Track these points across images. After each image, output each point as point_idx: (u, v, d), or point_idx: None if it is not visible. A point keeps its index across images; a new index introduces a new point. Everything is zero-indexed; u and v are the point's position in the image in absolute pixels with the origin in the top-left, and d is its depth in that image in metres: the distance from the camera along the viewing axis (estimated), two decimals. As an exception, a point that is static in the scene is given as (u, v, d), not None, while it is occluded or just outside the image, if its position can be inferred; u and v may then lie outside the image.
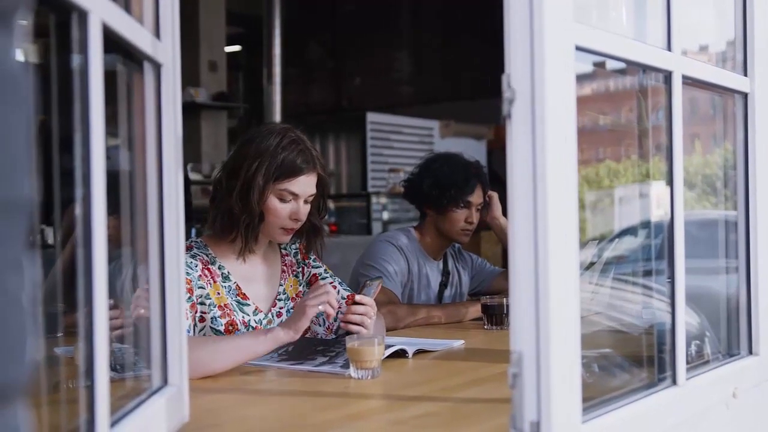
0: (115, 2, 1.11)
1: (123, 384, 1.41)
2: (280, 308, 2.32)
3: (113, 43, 1.12)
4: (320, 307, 1.97)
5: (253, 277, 2.29)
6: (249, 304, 2.23)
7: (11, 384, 0.54)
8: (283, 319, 2.26)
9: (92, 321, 1.01)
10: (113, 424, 1.09)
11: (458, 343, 2.34)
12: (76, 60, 1.02)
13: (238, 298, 2.22)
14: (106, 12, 1.05)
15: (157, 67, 1.34)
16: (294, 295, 2.36)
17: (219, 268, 2.22)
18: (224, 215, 2.20)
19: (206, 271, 2.18)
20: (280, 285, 2.35)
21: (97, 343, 1.01)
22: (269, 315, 2.28)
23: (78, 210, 1.01)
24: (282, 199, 2.19)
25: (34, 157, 0.58)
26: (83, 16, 1.00)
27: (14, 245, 0.55)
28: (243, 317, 2.20)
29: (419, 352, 2.17)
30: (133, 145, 1.38)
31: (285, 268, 2.38)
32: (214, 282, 2.19)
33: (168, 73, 1.37)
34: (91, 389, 1.01)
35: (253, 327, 2.21)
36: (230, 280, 2.22)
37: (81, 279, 1.01)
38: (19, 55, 0.57)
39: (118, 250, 1.36)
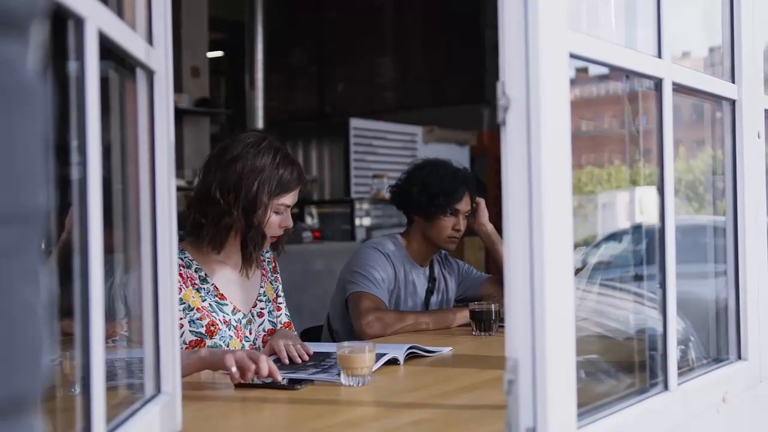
0: (109, 9, 1.11)
1: (115, 392, 1.40)
2: (261, 308, 2.39)
3: (106, 49, 1.11)
4: (233, 369, 1.81)
5: (233, 279, 2.34)
6: (227, 304, 2.29)
7: (28, 394, 0.54)
8: (265, 319, 2.38)
9: (88, 330, 1.00)
10: (109, 433, 1.08)
11: (447, 350, 2.34)
12: (71, 66, 1.02)
13: (216, 298, 2.27)
14: (102, 19, 1.04)
15: (150, 74, 1.34)
16: (272, 299, 2.45)
17: (196, 271, 2.27)
18: (224, 231, 2.25)
19: (178, 276, 2.19)
20: (261, 287, 2.42)
21: (94, 352, 1.01)
22: (249, 315, 2.34)
23: (74, 216, 1.01)
24: (277, 213, 2.29)
25: (49, 167, 0.58)
26: (79, 23, 0.99)
27: (30, 255, 0.54)
28: (223, 317, 2.26)
29: (411, 357, 2.18)
30: (125, 151, 1.37)
31: (264, 271, 2.46)
32: (188, 287, 2.23)
33: (161, 80, 1.36)
34: (87, 398, 1.00)
35: (234, 326, 2.27)
36: (208, 282, 2.28)
37: (77, 288, 1.00)
38: (34, 65, 0.56)
39: (109, 256, 1.35)
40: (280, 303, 2.51)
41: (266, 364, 1.82)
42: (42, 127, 0.57)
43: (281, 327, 2.44)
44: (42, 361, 0.56)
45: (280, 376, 1.85)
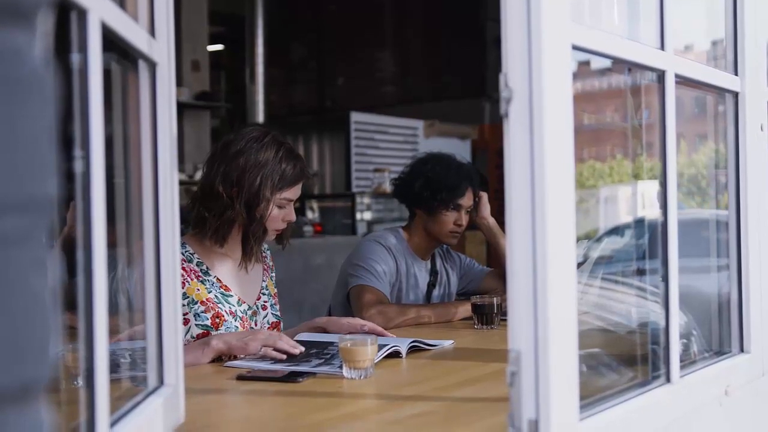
0: (112, 0, 1.11)
1: (118, 384, 1.41)
2: (264, 302, 2.42)
3: (109, 41, 1.11)
4: (262, 351, 2.05)
5: (235, 272, 2.36)
6: (232, 295, 2.31)
7: (37, 382, 0.54)
8: (268, 312, 2.41)
9: (92, 322, 1.00)
10: (112, 424, 1.08)
11: (449, 343, 2.34)
12: (74, 58, 1.01)
13: (221, 290, 2.29)
14: (105, 10, 1.04)
15: (152, 66, 1.34)
16: (272, 294, 2.47)
17: (197, 265, 2.29)
18: (226, 225, 2.27)
19: (181, 270, 2.21)
20: (263, 281, 2.44)
21: (97, 344, 1.01)
22: (254, 307, 2.37)
23: (77, 210, 1.00)
24: (279, 207, 2.30)
25: (57, 156, 0.58)
26: (82, 14, 0.99)
27: (38, 244, 0.55)
28: (229, 308, 2.28)
29: (413, 350, 2.18)
30: (127, 144, 1.37)
31: (265, 266, 2.48)
32: (192, 280, 2.24)
33: (163, 72, 1.36)
34: (91, 390, 1.00)
35: (239, 317, 2.30)
36: (210, 275, 2.29)
37: (81, 281, 1.00)
38: (41, 54, 0.56)
39: (111, 250, 1.35)
40: (276, 303, 2.53)
41: (290, 342, 2.06)
42: (50, 117, 0.57)
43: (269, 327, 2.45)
44: (50, 349, 0.56)
45: (299, 350, 2.05)
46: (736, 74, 1.81)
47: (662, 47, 1.52)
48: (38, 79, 0.56)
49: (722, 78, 1.78)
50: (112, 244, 1.35)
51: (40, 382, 0.55)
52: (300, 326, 2.50)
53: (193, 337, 2.19)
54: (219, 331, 2.21)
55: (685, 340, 1.80)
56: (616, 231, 2.64)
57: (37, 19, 0.57)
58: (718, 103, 1.90)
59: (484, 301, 2.66)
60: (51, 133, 0.57)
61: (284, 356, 2.02)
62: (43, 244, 0.56)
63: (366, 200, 7.58)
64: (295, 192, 2.32)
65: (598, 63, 1.53)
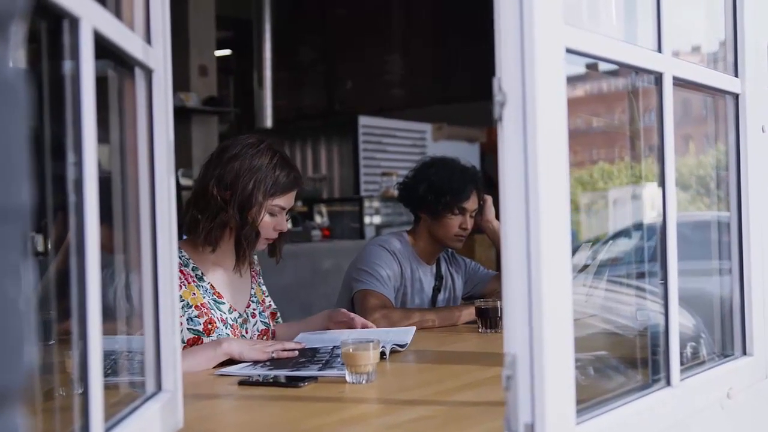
0: (106, 8, 1.11)
1: (116, 389, 1.41)
2: (253, 309, 2.44)
3: (104, 48, 1.12)
4: (274, 354, 2.13)
5: (227, 279, 2.38)
6: (224, 303, 2.33)
7: (10, 388, 0.55)
8: (258, 320, 2.43)
9: (86, 328, 1.01)
10: (108, 430, 1.09)
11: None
12: (67, 66, 1.02)
13: (214, 297, 2.31)
14: (97, 18, 1.05)
15: (148, 73, 1.34)
16: (261, 300, 2.49)
17: (193, 270, 2.31)
18: (219, 228, 2.28)
19: (179, 274, 2.23)
20: (252, 288, 2.47)
21: (91, 350, 1.01)
22: (244, 314, 2.39)
23: (71, 217, 1.01)
24: (271, 214, 2.32)
25: (31, 164, 0.58)
26: (75, 22, 1.00)
27: (13, 251, 0.55)
28: (220, 315, 2.30)
29: (393, 352, 2.22)
30: (124, 151, 1.37)
31: (254, 274, 2.50)
32: (189, 283, 2.27)
33: (159, 78, 1.36)
34: (85, 396, 1.01)
35: (230, 325, 2.31)
36: (205, 281, 2.31)
37: (74, 287, 1.00)
38: (15, 62, 0.57)
39: (111, 257, 1.36)
40: (270, 300, 2.55)
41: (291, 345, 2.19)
42: (24, 125, 0.57)
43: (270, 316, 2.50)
44: (24, 355, 0.56)
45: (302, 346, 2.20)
46: (737, 76, 1.81)
47: (659, 49, 1.52)
48: (11, 87, 0.56)
49: (722, 80, 1.78)
50: (112, 251, 1.36)
51: (13, 389, 0.56)
52: (322, 313, 2.57)
53: (184, 342, 2.19)
54: (210, 338, 2.22)
55: (694, 343, 1.79)
56: (624, 233, 2.63)
57: (11, 28, 0.57)
58: (723, 105, 1.90)
59: (488, 304, 2.66)
60: (24, 142, 0.58)
61: (296, 353, 2.14)
62: (17, 250, 0.56)
63: (374, 204, 7.57)
64: (287, 200, 2.34)
65: (605, 65, 1.53)
